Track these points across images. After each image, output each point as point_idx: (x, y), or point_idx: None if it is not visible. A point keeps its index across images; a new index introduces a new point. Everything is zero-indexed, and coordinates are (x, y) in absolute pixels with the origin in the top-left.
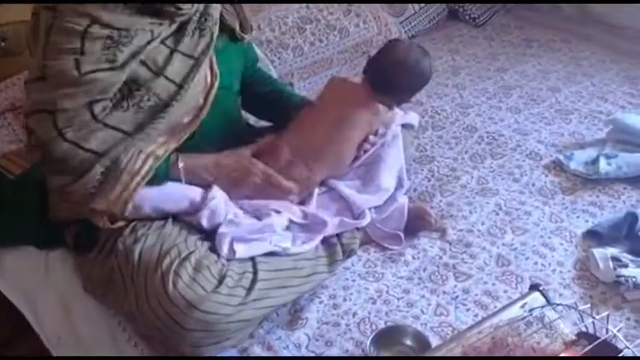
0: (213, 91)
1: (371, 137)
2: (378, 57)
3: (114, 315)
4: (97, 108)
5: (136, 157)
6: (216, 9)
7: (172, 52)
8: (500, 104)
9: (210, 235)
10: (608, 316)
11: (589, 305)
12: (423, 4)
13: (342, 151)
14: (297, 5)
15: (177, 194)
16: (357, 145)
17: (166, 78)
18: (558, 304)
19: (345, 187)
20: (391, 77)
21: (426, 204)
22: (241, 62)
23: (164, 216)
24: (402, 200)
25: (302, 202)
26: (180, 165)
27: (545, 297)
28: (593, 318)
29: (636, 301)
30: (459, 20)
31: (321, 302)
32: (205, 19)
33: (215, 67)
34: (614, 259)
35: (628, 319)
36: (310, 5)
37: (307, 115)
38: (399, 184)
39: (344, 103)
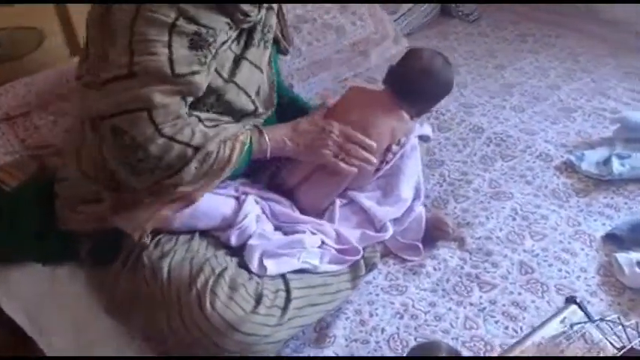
0: None
1: (394, 147)
2: (401, 64)
3: (132, 338)
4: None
5: (223, 146)
6: (274, 21)
7: (239, 59)
8: (503, 103)
9: (237, 250)
10: None
11: (634, 321)
12: None
13: None
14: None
15: (211, 210)
16: (381, 153)
17: (237, 85)
18: (601, 319)
19: (366, 199)
20: (416, 85)
21: (442, 212)
22: None
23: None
24: (419, 210)
25: (324, 215)
26: (267, 137)
27: (583, 310)
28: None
29: None
30: (452, 17)
31: (347, 318)
32: (268, 31)
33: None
34: None
35: None
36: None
37: (328, 118)
38: (417, 195)
39: (368, 109)
